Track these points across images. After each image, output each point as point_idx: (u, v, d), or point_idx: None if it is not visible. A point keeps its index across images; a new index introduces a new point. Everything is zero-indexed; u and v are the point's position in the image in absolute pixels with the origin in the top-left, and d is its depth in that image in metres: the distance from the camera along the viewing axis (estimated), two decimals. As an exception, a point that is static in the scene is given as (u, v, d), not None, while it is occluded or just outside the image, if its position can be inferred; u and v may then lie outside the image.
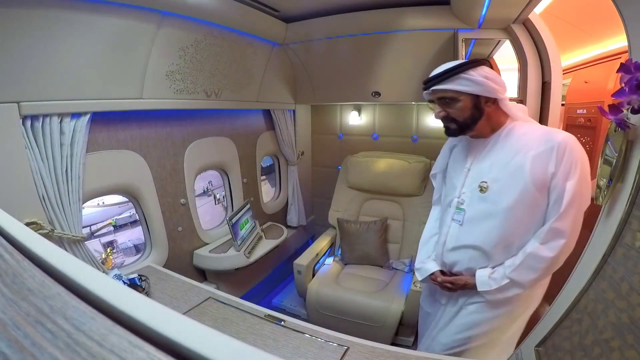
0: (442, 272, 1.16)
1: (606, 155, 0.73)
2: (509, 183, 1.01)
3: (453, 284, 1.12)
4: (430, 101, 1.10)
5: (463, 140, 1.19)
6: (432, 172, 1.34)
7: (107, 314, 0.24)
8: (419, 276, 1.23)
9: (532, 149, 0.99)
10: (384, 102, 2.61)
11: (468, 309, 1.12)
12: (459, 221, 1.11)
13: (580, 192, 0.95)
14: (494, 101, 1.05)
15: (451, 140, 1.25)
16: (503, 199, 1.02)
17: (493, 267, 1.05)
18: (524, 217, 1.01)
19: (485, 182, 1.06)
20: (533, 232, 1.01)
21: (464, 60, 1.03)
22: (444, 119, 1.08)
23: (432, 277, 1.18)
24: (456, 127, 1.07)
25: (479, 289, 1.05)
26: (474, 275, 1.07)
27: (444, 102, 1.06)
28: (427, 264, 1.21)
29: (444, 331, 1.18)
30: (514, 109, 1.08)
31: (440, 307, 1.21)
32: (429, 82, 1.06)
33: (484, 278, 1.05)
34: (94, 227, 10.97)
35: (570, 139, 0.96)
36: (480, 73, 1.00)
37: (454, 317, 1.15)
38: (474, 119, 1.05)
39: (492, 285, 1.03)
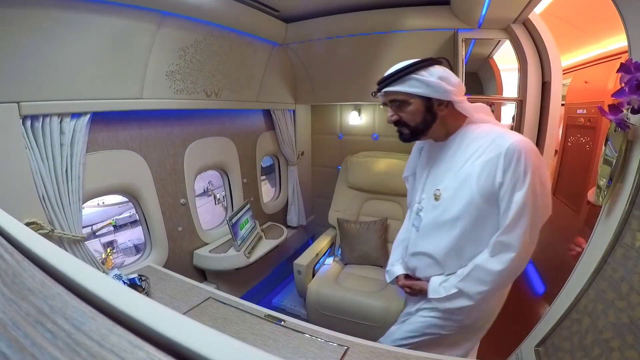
0: (408, 276, 1.17)
1: (606, 155, 0.73)
2: (457, 192, 0.96)
3: (411, 289, 1.12)
4: (385, 104, 1.03)
5: (427, 142, 1.13)
6: (404, 175, 1.29)
7: (107, 314, 0.24)
8: (387, 279, 1.24)
9: (482, 156, 0.92)
10: (384, 102, 2.61)
11: (422, 314, 1.12)
12: (417, 227, 1.10)
13: (534, 202, 0.87)
14: (448, 104, 0.97)
15: (419, 142, 1.20)
16: (451, 209, 0.98)
17: (447, 275, 1.03)
18: (472, 228, 0.96)
19: (439, 190, 1.02)
20: (485, 242, 0.95)
21: (415, 60, 0.95)
22: (396, 124, 1.01)
23: (397, 279, 1.19)
24: (408, 132, 1.01)
25: (429, 296, 1.04)
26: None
27: (396, 105, 0.99)
28: (394, 266, 1.22)
29: (399, 327, 1.20)
30: (471, 109, 1.00)
31: None
32: (380, 84, 0.99)
33: (435, 285, 1.04)
34: (94, 227, 10.97)
35: (521, 144, 0.87)
36: (432, 73, 0.93)
37: (411, 316, 1.17)
38: (427, 124, 0.99)
39: (441, 293, 1.01)
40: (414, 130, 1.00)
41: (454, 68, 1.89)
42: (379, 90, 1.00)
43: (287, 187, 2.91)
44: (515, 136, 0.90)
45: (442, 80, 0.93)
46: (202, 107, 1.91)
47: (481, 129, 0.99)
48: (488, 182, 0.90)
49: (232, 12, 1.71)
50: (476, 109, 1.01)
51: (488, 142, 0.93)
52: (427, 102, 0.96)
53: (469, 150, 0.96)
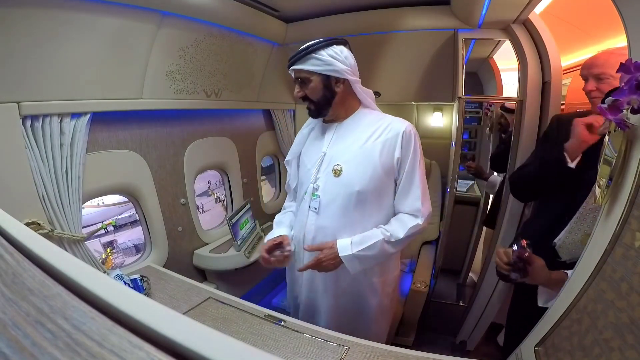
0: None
1: (606, 155, 0.73)
2: (359, 166, 1.07)
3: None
4: (294, 81, 1.13)
5: (318, 124, 1.24)
6: (287, 159, 1.31)
7: (107, 314, 0.24)
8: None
9: (381, 136, 1.08)
10: (384, 102, 2.59)
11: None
12: (316, 209, 1.12)
13: (423, 175, 1.10)
14: (344, 82, 1.09)
15: (307, 127, 1.29)
16: (355, 182, 1.07)
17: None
18: (375, 197, 1.09)
19: (339, 165, 1.10)
20: (385, 208, 1.11)
21: (317, 40, 1.05)
22: (303, 99, 1.12)
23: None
24: (314, 107, 1.12)
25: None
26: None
27: (300, 82, 1.09)
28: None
29: None
30: (363, 92, 1.14)
31: None
32: (289, 62, 1.09)
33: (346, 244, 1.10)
34: (98, 226, 10.94)
35: (412, 129, 1.09)
36: (329, 53, 1.04)
37: None
38: (327, 100, 1.10)
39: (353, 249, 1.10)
40: (317, 105, 1.11)
41: (454, 68, 1.89)
42: (288, 67, 1.10)
43: (287, 187, 2.90)
44: (406, 122, 1.11)
45: (336, 59, 1.04)
46: (202, 107, 1.91)
47: (374, 114, 1.16)
48: (388, 158, 1.07)
49: (232, 12, 1.71)
50: (367, 94, 1.16)
51: (385, 125, 1.10)
52: (326, 79, 1.07)
53: (368, 131, 1.10)
